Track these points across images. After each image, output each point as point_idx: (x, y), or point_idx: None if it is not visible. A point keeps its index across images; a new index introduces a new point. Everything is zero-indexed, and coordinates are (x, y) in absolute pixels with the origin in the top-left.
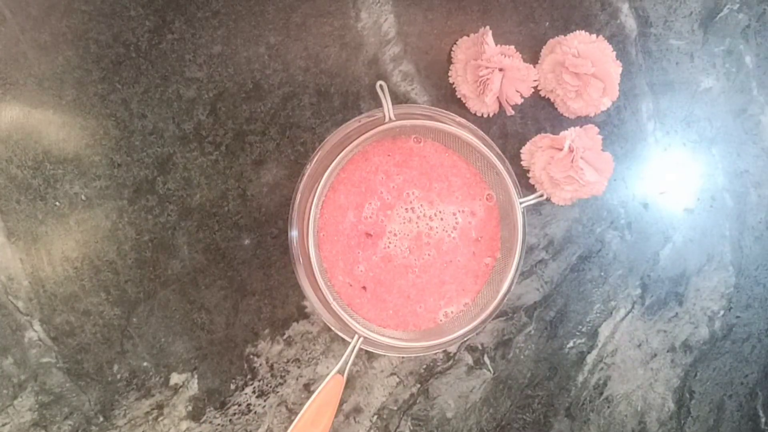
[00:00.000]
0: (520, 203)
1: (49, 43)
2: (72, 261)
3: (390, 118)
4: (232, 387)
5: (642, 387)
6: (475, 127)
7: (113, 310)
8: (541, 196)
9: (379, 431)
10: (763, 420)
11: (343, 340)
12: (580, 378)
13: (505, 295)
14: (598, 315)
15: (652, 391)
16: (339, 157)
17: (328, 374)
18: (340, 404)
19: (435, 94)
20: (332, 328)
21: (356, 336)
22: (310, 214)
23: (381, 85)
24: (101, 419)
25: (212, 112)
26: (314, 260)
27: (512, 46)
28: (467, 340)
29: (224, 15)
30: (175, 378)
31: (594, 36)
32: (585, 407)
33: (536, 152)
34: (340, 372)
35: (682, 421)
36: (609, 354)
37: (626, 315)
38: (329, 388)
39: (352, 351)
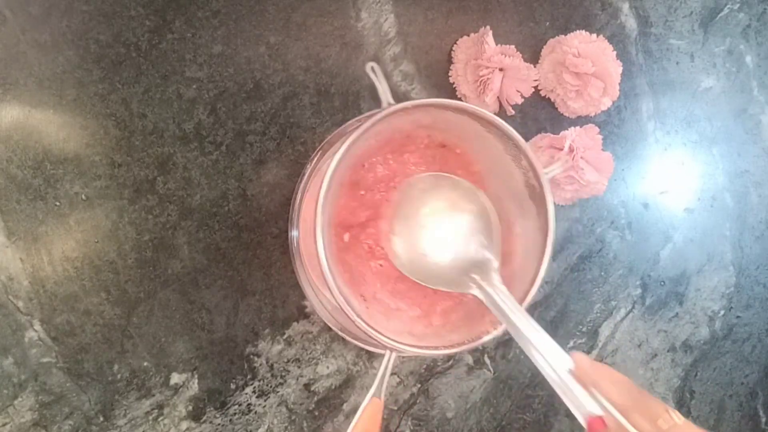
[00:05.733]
0: (545, 173)
1: (49, 43)
2: (72, 261)
3: (389, 103)
4: (233, 387)
5: (642, 387)
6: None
7: (113, 310)
8: (567, 162)
9: (380, 430)
10: (763, 420)
11: (344, 339)
12: None
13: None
14: (598, 315)
15: (652, 390)
16: (341, 149)
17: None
18: (341, 404)
19: (435, 94)
20: (333, 328)
21: (387, 352)
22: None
23: (372, 67)
24: (101, 419)
25: (212, 112)
26: (324, 262)
27: (512, 46)
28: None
29: (224, 15)
30: (176, 378)
31: (594, 36)
32: None
33: (536, 152)
34: (376, 395)
35: None
36: (609, 354)
37: (626, 315)
38: (367, 415)
39: (386, 369)
